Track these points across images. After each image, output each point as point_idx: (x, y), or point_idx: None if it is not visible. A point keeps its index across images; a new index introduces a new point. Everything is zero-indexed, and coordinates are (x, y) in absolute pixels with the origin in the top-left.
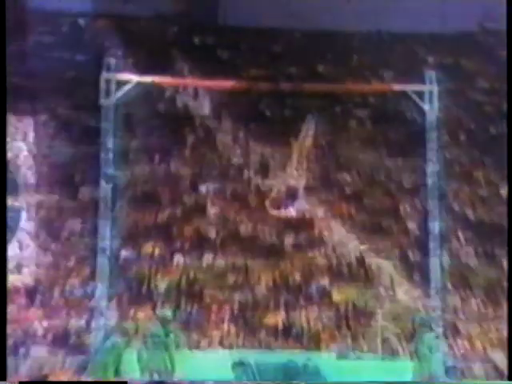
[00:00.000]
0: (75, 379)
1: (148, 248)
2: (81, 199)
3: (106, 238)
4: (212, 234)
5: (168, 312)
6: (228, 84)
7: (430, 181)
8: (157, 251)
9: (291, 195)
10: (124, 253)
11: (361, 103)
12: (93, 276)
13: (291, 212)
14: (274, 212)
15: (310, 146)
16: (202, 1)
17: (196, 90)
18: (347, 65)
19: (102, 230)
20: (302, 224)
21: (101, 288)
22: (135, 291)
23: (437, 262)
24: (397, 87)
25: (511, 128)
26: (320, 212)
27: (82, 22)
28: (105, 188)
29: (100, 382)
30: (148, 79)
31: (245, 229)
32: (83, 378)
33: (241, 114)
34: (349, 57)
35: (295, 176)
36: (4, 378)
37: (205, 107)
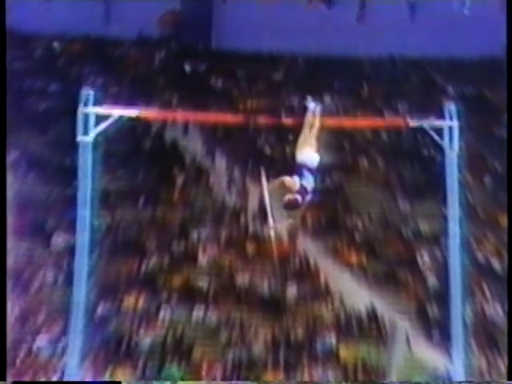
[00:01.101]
0: None
1: (130, 301)
2: (54, 247)
3: (82, 289)
4: (204, 284)
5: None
6: (223, 117)
7: (450, 227)
8: (140, 304)
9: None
10: (102, 306)
11: (372, 139)
12: (65, 332)
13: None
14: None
15: None
16: (192, 22)
17: (186, 125)
18: (356, 95)
19: (77, 281)
20: (306, 273)
21: (73, 345)
22: (114, 349)
23: (459, 318)
24: (412, 122)
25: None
26: (326, 260)
27: (57, 45)
28: (81, 234)
29: (97, 382)
30: (132, 112)
31: (241, 279)
32: None
33: (237, 151)
34: (358, 86)
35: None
36: (4, 378)
37: (196, 143)
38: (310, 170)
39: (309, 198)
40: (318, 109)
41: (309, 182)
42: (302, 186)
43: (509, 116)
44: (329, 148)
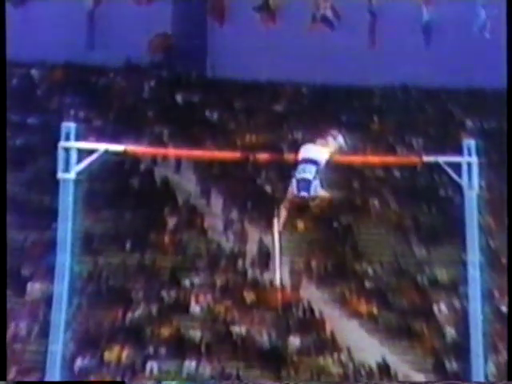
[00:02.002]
0: None
1: (112, 354)
2: (29, 295)
3: (59, 342)
4: (196, 336)
5: None
6: (219, 153)
7: (470, 274)
8: (124, 357)
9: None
10: (80, 360)
11: (384, 177)
12: None
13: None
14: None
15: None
16: (185, 47)
17: (178, 161)
18: (366, 128)
19: (54, 332)
20: (310, 323)
21: None
22: None
23: (480, 374)
24: (428, 158)
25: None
26: (333, 309)
27: (35, 73)
28: (60, 282)
29: (99, 382)
30: (118, 147)
31: (238, 329)
32: None
33: (235, 190)
34: (368, 118)
35: None
36: (4, 378)
37: (190, 182)
38: (313, 162)
39: (317, 184)
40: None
41: (311, 173)
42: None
43: (509, 124)
44: (336, 187)
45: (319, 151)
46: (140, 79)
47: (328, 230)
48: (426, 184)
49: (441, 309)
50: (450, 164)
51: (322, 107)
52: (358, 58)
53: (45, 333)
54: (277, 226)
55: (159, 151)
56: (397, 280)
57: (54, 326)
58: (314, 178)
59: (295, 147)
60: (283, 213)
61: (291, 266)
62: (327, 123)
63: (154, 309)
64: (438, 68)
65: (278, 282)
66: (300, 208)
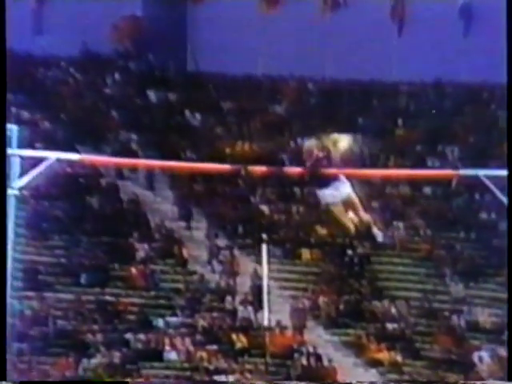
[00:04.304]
0: None
1: None
2: None
3: None
4: None
5: None
6: (202, 166)
7: None
8: None
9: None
10: None
11: (411, 196)
12: None
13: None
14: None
15: None
16: (159, 35)
17: (151, 175)
18: (389, 135)
19: None
20: (317, 373)
21: None
22: None
23: None
24: (465, 172)
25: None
26: (346, 357)
27: None
28: None
29: (100, 382)
30: (73, 156)
31: (224, 381)
32: None
33: (223, 211)
34: (391, 122)
35: None
36: (4, 378)
37: (165, 201)
38: None
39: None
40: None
41: None
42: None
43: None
44: None
45: (334, 196)
46: (101, 72)
47: (340, 260)
48: (463, 204)
49: (482, 358)
50: (494, 179)
51: (332, 109)
52: (379, 48)
53: None
54: (266, 252)
55: (126, 162)
56: (427, 322)
57: None
58: None
59: (299, 158)
60: None
61: (293, 302)
62: (339, 128)
63: (117, 356)
64: (479, 61)
65: (265, 321)
66: None
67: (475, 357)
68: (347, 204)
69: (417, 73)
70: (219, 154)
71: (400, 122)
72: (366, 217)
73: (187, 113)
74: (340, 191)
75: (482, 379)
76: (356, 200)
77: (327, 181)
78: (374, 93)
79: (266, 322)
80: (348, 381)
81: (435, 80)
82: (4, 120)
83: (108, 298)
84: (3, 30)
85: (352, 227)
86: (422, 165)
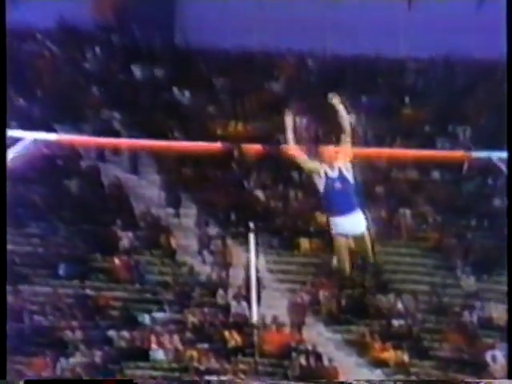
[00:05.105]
0: None
1: None
2: None
3: None
4: None
5: None
6: (192, 147)
7: None
8: None
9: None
10: None
11: (418, 180)
12: None
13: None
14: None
15: None
16: (145, 6)
17: (135, 157)
18: (395, 114)
19: None
20: (317, 374)
21: None
22: None
23: None
24: (477, 154)
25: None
26: (348, 356)
27: None
28: None
29: (104, 381)
30: (50, 137)
31: (216, 382)
32: None
33: (214, 196)
34: (398, 100)
35: None
36: (4, 377)
37: (151, 185)
38: None
39: None
40: None
41: None
42: None
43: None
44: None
45: (348, 228)
46: (80, 45)
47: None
48: (475, 189)
49: (496, 358)
50: (508, 161)
51: (333, 85)
52: (385, 21)
53: None
54: (253, 241)
55: (108, 142)
56: (436, 318)
57: None
58: None
59: (296, 139)
60: None
61: (291, 297)
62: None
63: (98, 355)
64: (492, 37)
65: (255, 318)
66: None
67: (488, 356)
68: (358, 243)
69: (426, 48)
70: (210, 134)
71: (407, 100)
72: (368, 258)
73: (175, 90)
74: (355, 226)
75: (494, 380)
76: (368, 242)
77: (344, 209)
78: (379, 70)
79: (255, 319)
80: (349, 382)
81: (445, 56)
82: None
83: (88, 291)
84: (3, 30)
85: (348, 270)
86: (430, 146)
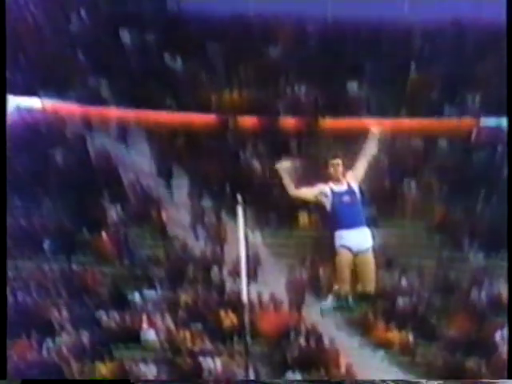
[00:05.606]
0: None
1: None
2: None
3: None
4: (149, 373)
5: None
6: (185, 117)
7: None
8: None
9: None
10: None
11: (424, 150)
12: None
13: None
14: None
15: None
16: None
17: (124, 127)
18: (400, 81)
19: None
20: (317, 356)
21: None
22: None
23: None
24: (488, 121)
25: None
26: (350, 337)
27: None
28: None
29: (103, 381)
30: (34, 103)
31: (210, 365)
32: None
33: (208, 168)
34: (403, 67)
35: None
36: (4, 377)
37: (141, 156)
38: None
39: None
40: None
41: None
42: None
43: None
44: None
45: (353, 243)
46: (64, 8)
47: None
48: (484, 160)
49: (505, 338)
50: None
51: (335, 52)
52: None
53: None
54: (241, 213)
55: (95, 110)
56: (442, 297)
57: None
58: None
59: (296, 108)
60: None
61: (290, 274)
62: (343, 74)
63: (86, 336)
64: None
65: (244, 296)
66: None
67: (497, 336)
68: (361, 260)
69: (432, 12)
70: (204, 102)
71: (413, 66)
72: (369, 287)
73: (166, 56)
74: (360, 241)
75: (504, 362)
76: (373, 264)
77: (350, 222)
78: (383, 34)
79: (245, 297)
80: (351, 364)
81: (453, 20)
82: None
83: (74, 268)
84: (3, 29)
85: (345, 292)
86: (437, 114)
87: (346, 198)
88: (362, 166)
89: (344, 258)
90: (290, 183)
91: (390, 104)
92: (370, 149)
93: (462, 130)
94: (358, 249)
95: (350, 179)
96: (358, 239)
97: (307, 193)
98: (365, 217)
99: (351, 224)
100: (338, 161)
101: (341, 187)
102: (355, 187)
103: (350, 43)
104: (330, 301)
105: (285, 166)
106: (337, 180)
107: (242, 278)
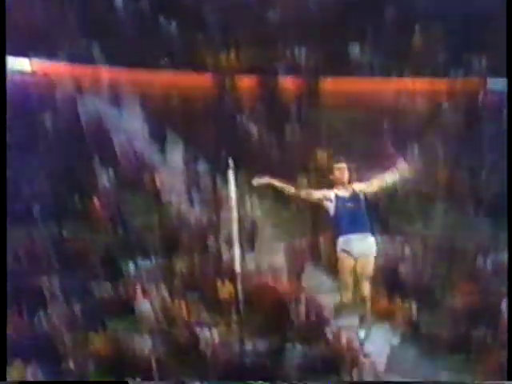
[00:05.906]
0: None
1: (15, 372)
2: None
3: None
4: (144, 346)
5: None
6: (179, 78)
7: None
8: (31, 378)
9: None
10: None
11: (428, 113)
12: None
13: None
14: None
15: None
16: None
17: (116, 88)
18: (404, 42)
19: None
20: (317, 328)
21: None
22: None
23: None
24: (495, 83)
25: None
26: None
27: None
28: None
29: (100, 382)
30: (22, 64)
31: (207, 336)
32: None
33: (203, 132)
34: (407, 28)
35: None
36: (4, 378)
37: (133, 119)
38: None
39: None
40: None
41: None
42: None
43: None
44: (355, 128)
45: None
46: None
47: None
48: (492, 124)
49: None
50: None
51: (335, 12)
52: None
53: None
54: (232, 177)
55: (86, 72)
56: (447, 266)
57: None
58: None
59: (294, 69)
60: None
61: (289, 242)
62: (343, 35)
63: (78, 307)
64: None
65: (237, 265)
66: None
67: (503, 305)
68: (361, 264)
69: None
70: (199, 64)
71: (417, 27)
72: (365, 291)
73: (161, 18)
74: (363, 247)
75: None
76: (371, 267)
77: (354, 228)
78: None
79: (238, 267)
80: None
81: None
82: None
83: (65, 235)
84: (3, 30)
85: (348, 300)
86: (442, 75)
87: (350, 204)
88: (377, 186)
89: (345, 263)
90: (284, 185)
91: (393, 66)
92: (391, 179)
93: (467, 92)
94: (360, 255)
95: (358, 187)
96: (359, 245)
97: (310, 195)
98: (370, 224)
99: (354, 229)
100: (343, 165)
101: (345, 192)
102: (361, 194)
103: (351, 2)
104: None
105: (262, 182)
106: (341, 184)
107: (234, 246)
